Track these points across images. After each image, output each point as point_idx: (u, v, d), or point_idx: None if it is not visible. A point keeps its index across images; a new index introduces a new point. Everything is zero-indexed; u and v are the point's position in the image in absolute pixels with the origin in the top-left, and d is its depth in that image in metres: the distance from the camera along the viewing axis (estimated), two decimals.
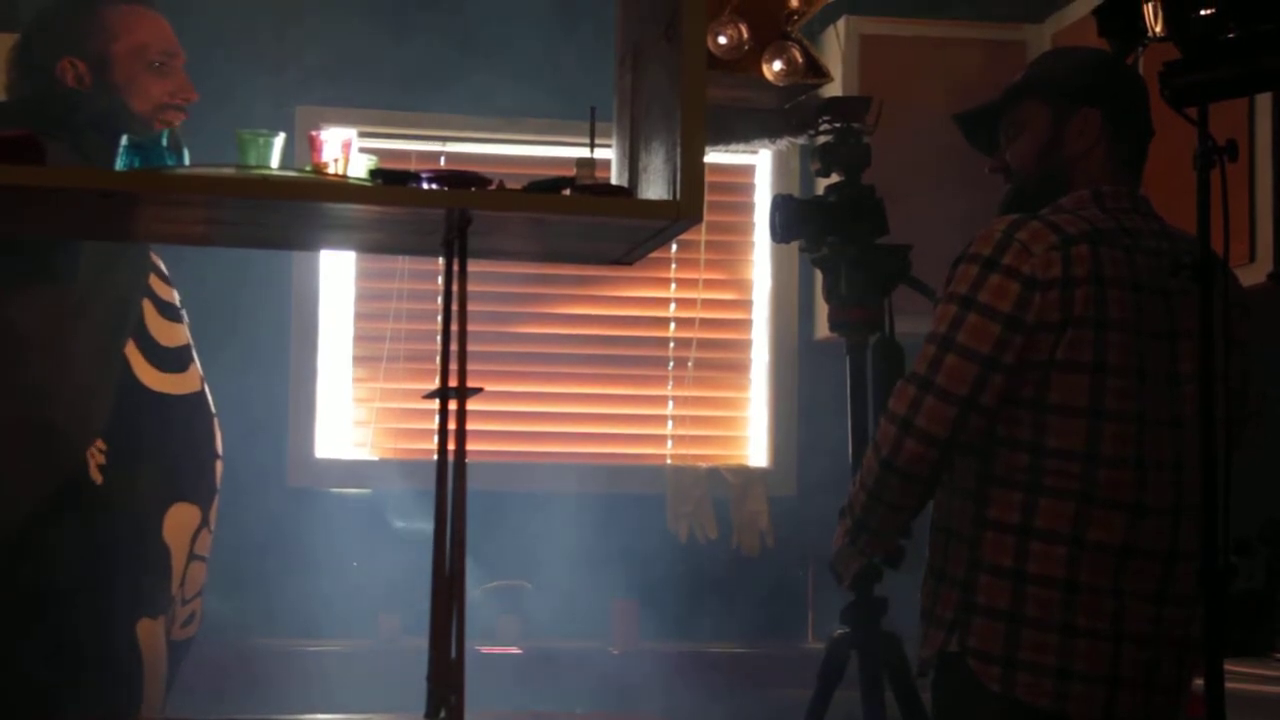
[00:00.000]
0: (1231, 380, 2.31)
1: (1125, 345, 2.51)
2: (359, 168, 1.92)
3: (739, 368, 4.77)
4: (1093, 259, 2.51)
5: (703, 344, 4.73)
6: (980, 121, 2.81)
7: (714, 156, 4.44)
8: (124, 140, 1.87)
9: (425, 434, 4.50)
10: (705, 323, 4.74)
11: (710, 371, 4.74)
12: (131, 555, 2.58)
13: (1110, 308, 2.51)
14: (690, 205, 1.85)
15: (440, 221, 1.96)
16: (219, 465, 2.76)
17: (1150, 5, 2.27)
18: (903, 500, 2.59)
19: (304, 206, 1.90)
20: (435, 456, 2.05)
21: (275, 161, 1.90)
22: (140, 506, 2.59)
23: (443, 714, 1.99)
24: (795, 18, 3.46)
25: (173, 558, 2.64)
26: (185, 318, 2.78)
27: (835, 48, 4.36)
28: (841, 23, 4.37)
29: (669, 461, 4.66)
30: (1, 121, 2.53)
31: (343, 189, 1.88)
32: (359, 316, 4.59)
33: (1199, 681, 2.23)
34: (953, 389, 2.50)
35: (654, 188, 1.93)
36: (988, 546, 2.55)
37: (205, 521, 2.71)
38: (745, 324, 4.78)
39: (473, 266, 1.98)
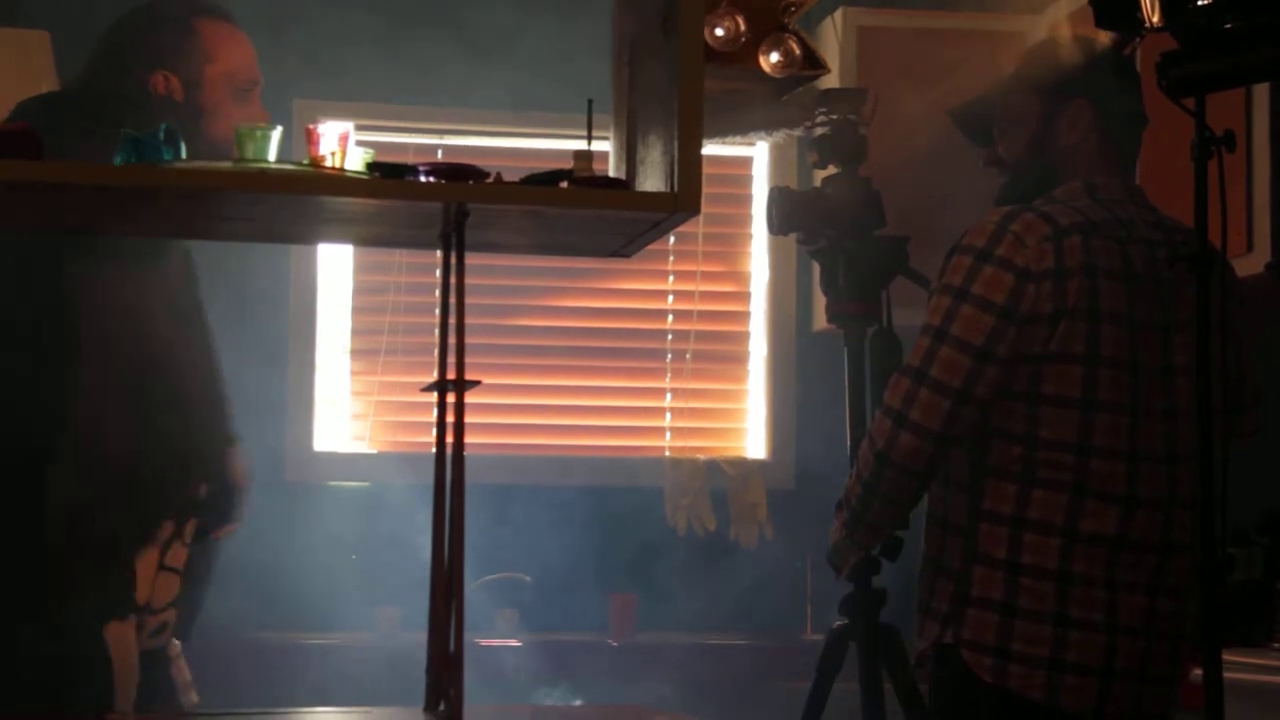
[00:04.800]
0: (1228, 372, 2.31)
1: (1118, 337, 2.51)
2: (356, 161, 1.92)
3: (737, 360, 4.77)
4: (1085, 250, 2.51)
5: (701, 336, 4.73)
6: (974, 115, 2.82)
7: (711, 149, 4.43)
8: (122, 134, 1.87)
9: (424, 427, 4.49)
10: (703, 315, 4.74)
11: (708, 364, 4.74)
12: (93, 562, 2.59)
13: (1103, 299, 2.51)
14: (688, 197, 1.85)
15: (438, 214, 1.96)
16: (203, 485, 2.78)
17: None
18: (898, 493, 2.60)
19: (301, 200, 1.90)
20: (434, 449, 2.05)
21: (273, 155, 1.90)
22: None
23: (441, 707, 1.99)
24: (792, 9, 3.46)
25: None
26: None
27: (832, 39, 4.35)
28: (839, 14, 4.36)
29: (667, 454, 4.67)
30: (60, 108, 2.55)
31: (340, 182, 1.88)
32: (357, 310, 4.59)
33: (1197, 671, 2.23)
34: (947, 381, 2.50)
35: (652, 180, 1.93)
36: (982, 538, 2.55)
37: (179, 534, 2.71)
38: (743, 316, 4.78)
39: (470, 259, 1.98)
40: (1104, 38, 2.71)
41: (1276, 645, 3.27)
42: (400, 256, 4.53)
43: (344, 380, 4.58)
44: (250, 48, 2.78)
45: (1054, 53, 2.79)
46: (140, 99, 2.62)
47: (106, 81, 2.68)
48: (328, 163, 1.90)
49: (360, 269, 4.61)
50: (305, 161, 1.91)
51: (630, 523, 4.44)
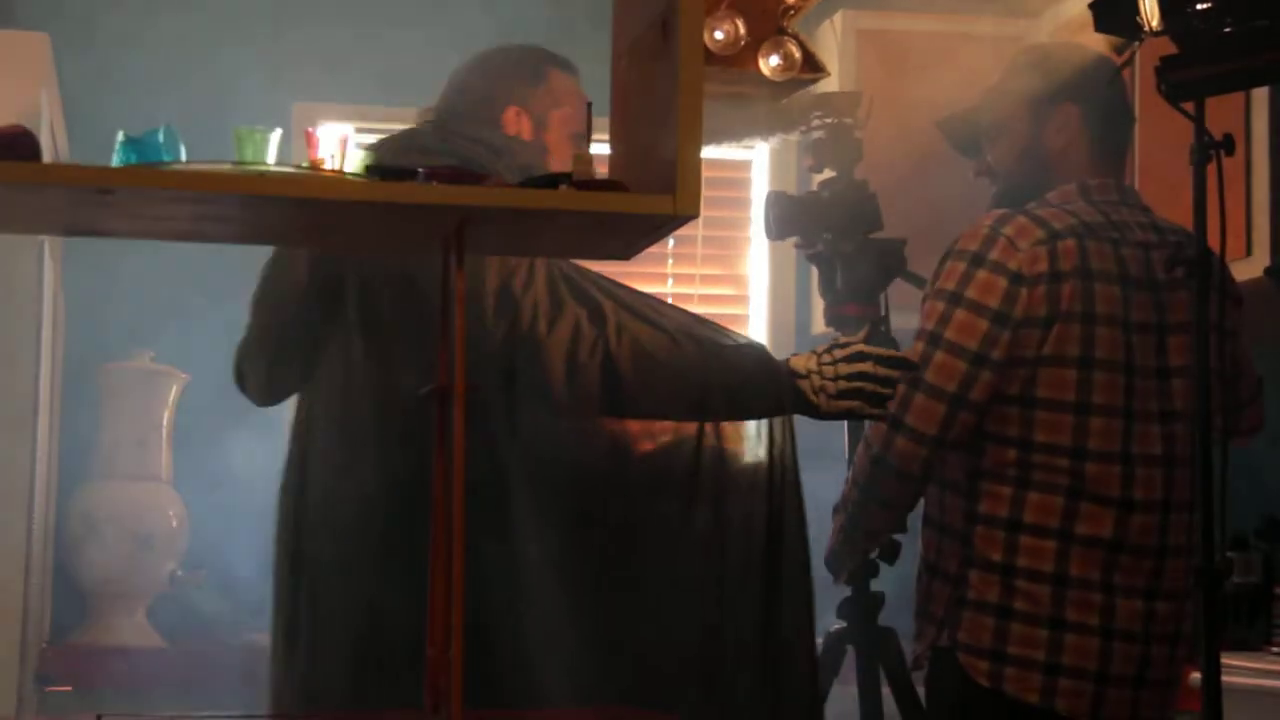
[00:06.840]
0: (1224, 373, 2.32)
1: (1113, 339, 2.52)
2: (355, 164, 1.92)
3: None
4: (1079, 253, 2.52)
5: None
6: (962, 127, 2.83)
7: (711, 152, 4.42)
8: (120, 136, 1.87)
9: None
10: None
11: None
12: None
13: (1098, 302, 2.51)
14: (687, 201, 1.85)
15: (437, 217, 1.96)
16: None
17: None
18: (895, 497, 2.60)
19: (299, 203, 1.90)
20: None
21: (271, 158, 1.90)
22: None
23: (441, 711, 1.99)
24: (792, 12, 3.46)
25: None
26: None
27: (832, 42, 4.35)
28: (838, 17, 4.36)
29: None
30: (418, 139, 2.71)
31: (338, 184, 1.88)
32: None
33: (1195, 675, 2.24)
34: (942, 385, 2.51)
35: (650, 183, 1.93)
36: (978, 541, 2.55)
37: None
38: (742, 319, 4.78)
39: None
40: (1098, 42, 2.72)
41: (1274, 649, 3.27)
42: None
43: None
44: (585, 103, 2.91)
45: (1037, 59, 2.80)
46: (491, 131, 2.75)
47: (463, 112, 2.83)
48: (326, 166, 1.90)
49: None
50: (304, 164, 1.91)
51: None
